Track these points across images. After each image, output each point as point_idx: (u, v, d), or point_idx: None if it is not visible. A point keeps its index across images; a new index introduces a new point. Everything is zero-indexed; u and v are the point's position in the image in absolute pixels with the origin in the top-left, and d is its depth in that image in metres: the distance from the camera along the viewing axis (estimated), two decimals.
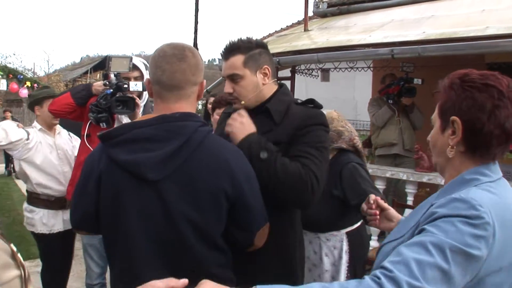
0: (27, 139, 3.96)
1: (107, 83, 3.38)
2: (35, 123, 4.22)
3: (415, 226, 1.41)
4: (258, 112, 2.29)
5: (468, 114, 1.39)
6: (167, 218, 1.69)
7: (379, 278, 1.20)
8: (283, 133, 2.19)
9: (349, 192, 2.96)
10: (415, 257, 1.21)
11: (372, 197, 1.99)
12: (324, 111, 3.26)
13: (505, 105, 1.37)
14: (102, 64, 29.21)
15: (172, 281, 1.25)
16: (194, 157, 1.69)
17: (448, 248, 1.21)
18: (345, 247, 3.12)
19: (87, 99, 3.57)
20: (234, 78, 2.24)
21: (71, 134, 4.45)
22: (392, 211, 1.95)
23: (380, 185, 5.56)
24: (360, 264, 3.25)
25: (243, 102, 2.26)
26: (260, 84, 2.26)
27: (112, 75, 3.36)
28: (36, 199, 4.09)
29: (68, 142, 4.32)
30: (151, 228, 1.70)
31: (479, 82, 1.40)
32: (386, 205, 1.97)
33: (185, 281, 1.27)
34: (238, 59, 2.22)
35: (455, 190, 1.40)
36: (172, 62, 1.75)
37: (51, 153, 4.10)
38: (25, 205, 4.19)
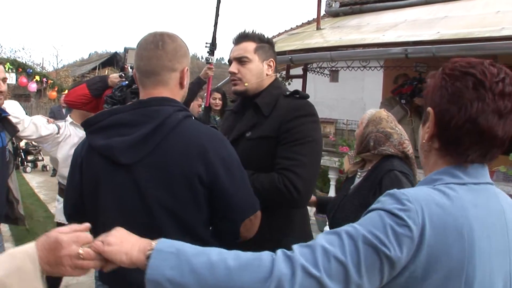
0: (57, 133, 3.98)
1: (123, 75, 3.39)
2: (68, 117, 4.24)
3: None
4: (247, 107, 2.35)
5: (439, 105, 1.21)
6: (142, 203, 1.65)
7: (275, 253, 1.12)
8: (270, 127, 2.20)
9: None
10: (324, 245, 1.09)
11: None
12: (372, 110, 3.02)
13: (482, 98, 1.15)
14: (110, 61, 29.34)
15: (74, 226, 1.29)
16: (168, 141, 1.66)
17: (361, 240, 1.07)
18: None
19: (102, 91, 3.58)
20: (242, 59, 2.31)
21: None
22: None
23: None
24: None
25: (246, 84, 2.32)
26: (264, 74, 2.34)
27: (128, 67, 3.37)
28: (62, 190, 4.07)
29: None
30: (128, 214, 1.66)
31: (459, 70, 1.21)
32: None
33: (87, 225, 1.32)
34: (250, 45, 2.32)
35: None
36: (149, 49, 1.74)
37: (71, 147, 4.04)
38: (57, 196, 4.25)
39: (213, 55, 6.10)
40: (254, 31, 2.38)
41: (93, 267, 1.28)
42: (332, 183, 6.08)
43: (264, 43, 2.35)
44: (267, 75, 2.35)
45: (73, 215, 1.89)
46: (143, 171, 1.65)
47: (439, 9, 6.70)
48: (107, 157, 1.67)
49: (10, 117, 3.28)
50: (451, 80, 1.19)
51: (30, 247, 1.21)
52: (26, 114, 3.96)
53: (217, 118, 5.76)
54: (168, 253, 1.16)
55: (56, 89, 16.64)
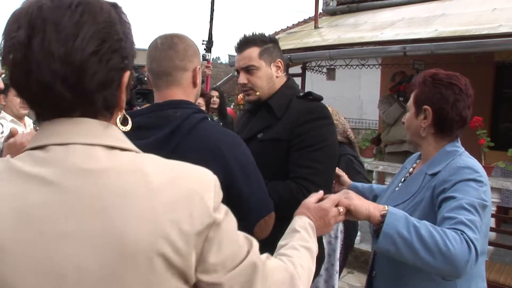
0: (1, 132, 3.66)
1: None
2: (3, 114, 3.89)
3: (429, 192, 1.78)
4: (260, 107, 2.33)
5: (437, 105, 1.84)
6: None
7: (462, 232, 1.52)
8: (282, 130, 2.18)
9: None
10: (466, 217, 1.57)
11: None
12: None
13: (463, 99, 1.84)
14: None
15: (316, 194, 1.66)
16: (185, 143, 1.67)
17: (477, 204, 1.61)
18: (341, 227, 3.46)
19: None
20: (249, 69, 2.27)
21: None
22: (345, 177, 2.45)
23: (368, 178, 5.60)
24: (352, 242, 3.67)
25: (258, 93, 2.28)
26: (274, 77, 2.30)
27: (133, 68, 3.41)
28: None
29: None
30: None
31: (445, 81, 1.85)
32: (340, 172, 2.43)
33: (321, 192, 1.68)
34: (254, 51, 2.27)
35: (446, 159, 1.84)
36: (160, 50, 1.78)
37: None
38: None
39: (210, 52, 6.12)
40: (254, 34, 2.33)
41: (342, 219, 1.64)
42: None
43: (267, 44, 2.30)
44: (277, 77, 2.31)
45: None
46: None
47: (436, 7, 6.75)
48: None
49: None
50: (443, 88, 1.84)
51: (305, 219, 1.50)
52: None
53: (215, 118, 5.75)
54: (399, 216, 1.56)
55: None
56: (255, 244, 1.09)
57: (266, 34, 2.37)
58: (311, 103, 2.25)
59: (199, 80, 1.85)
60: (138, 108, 3.48)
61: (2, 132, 3.65)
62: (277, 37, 7.82)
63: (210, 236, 0.93)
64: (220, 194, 1.00)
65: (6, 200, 0.84)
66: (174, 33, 1.85)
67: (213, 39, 5.89)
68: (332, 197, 1.61)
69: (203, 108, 4.38)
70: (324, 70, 7.72)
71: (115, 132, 0.99)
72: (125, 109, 3.09)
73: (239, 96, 11.28)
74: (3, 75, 2.59)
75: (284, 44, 6.76)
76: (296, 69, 7.75)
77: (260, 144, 2.20)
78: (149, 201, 0.88)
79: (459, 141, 1.94)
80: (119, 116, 1.05)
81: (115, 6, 0.98)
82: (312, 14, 8.01)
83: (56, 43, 0.86)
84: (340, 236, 3.40)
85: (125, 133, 1.71)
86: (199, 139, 1.69)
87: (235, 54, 2.37)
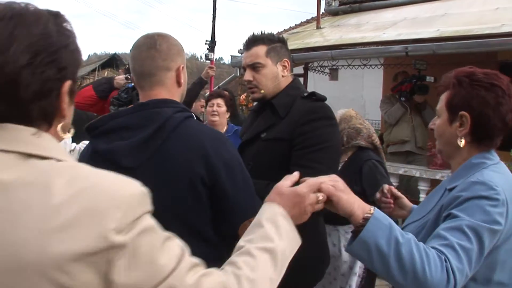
0: None
1: (129, 76, 3.43)
2: None
3: (438, 209, 1.59)
4: (265, 107, 2.32)
5: (477, 110, 1.58)
6: None
7: (441, 262, 1.36)
8: (285, 129, 2.18)
9: (369, 189, 3.04)
10: (458, 242, 1.39)
11: (386, 186, 2.07)
12: (342, 110, 3.40)
13: (506, 102, 1.58)
14: (109, 62, 29.31)
15: (290, 177, 1.43)
16: (169, 143, 1.65)
17: (481, 229, 1.40)
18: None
19: (108, 92, 3.62)
20: (255, 66, 2.27)
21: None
22: (404, 200, 2.05)
23: (392, 182, 5.58)
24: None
25: (262, 91, 2.28)
26: (280, 76, 2.30)
27: None
28: None
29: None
30: None
31: (486, 82, 1.59)
32: (399, 193, 2.06)
33: (296, 173, 1.44)
34: (261, 49, 2.27)
35: (467, 173, 1.60)
36: (142, 51, 1.75)
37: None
38: None
39: (213, 52, 6.11)
40: (262, 33, 2.34)
41: (320, 208, 1.41)
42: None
43: (275, 43, 2.31)
44: (282, 76, 2.30)
45: None
46: (145, 174, 1.59)
47: (439, 7, 6.74)
48: (109, 161, 1.66)
49: None
50: (484, 90, 1.58)
51: (276, 208, 1.29)
52: None
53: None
54: (383, 224, 1.38)
55: None
56: (185, 263, 1.00)
57: (275, 34, 2.38)
58: (314, 103, 2.24)
59: (184, 79, 1.82)
60: None
61: None
62: None
63: (112, 258, 0.87)
64: (134, 212, 0.92)
65: None
66: (157, 32, 1.83)
67: (216, 39, 5.89)
68: (311, 181, 1.39)
69: (224, 108, 4.29)
70: (327, 70, 7.70)
71: (40, 139, 0.95)
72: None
73: (241, 97, 11.29)
74: None
75: None
76: (299, 70, 7.75)
77: (263, 144, 2.20)
78: (42, 222, 0.84)
79: (493, 152, 1.68)
80: (62, 124, 1.02)
81: (56, 16, 0.99)
82: (315, 14, 8.00)
83: None
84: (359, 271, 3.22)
85: (108, 134, 1.70)
86: (184, 137, 1.67)
87: (238, 54, 2.38)
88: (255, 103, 2.60)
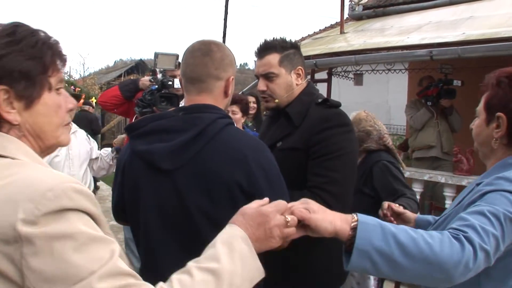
0: None
1: (153, 79, 3.48)
2: None
3: (464, 202, 1.57)
4: (280, 116, 2.30)
5: None
6: (182, 209, 1.65)
7: (457, 234, 1.31)
8: (300, 139, 2.15)
9: (382, 191, 3.00)
10: (479, 223, 1.34)
11: (385, 204, 2.09)
12: (354, 113, 3.37)
13: None
14: (135, 68, 29.72)
15: (257, 201, 1.35)
16: (209, 148, 1.65)
17: (502, 215, 1.36)
18: None
19: (133, 93, 3.67)
20: (269, 76, 2.24)
21: (90, 137, 4.25)
22: (408, 213, 2.06)
23: (417, 188, 5.50)
24: None
25: (276, 100, 2.26)
26: (294, 84, 2.26)
27: (158, 72, 3.45)
28: None
29: (85, 144, 4.06)
30: (167, 219, 1.68)
31: None
32: (400, 209, 2.07)
33: (266, 199, 1.37)
34: (274, 57, 2.23)
35: (499, 171, 1.56)
36: (196, 56, 1.77)
37: (59, 151, 3.72)
38: None
39: None
40: (275, 39, 2.29)
41: (297, 235, 1.32)
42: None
43: (288, 50, 2.26)
44: (296, 85, 2.27)
45: (115, 213, 1.96)
46: (183, 177, 1.66)
47: (464, 10, 6.63)
48: (148, 162, 1.69)
49: None
50: None
51: (236, 230, 1.21)
52: None
53: (249, 124, 5.70)
54: (373, 225, 1.30)
55: (83, 96, 16.93)
56: (109, 269, 0.96)
57: (287, 39, 2.32)
58: (328, 111, 2.21)
59: (231, 91, 1.83)
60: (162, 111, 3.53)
61: None
62: (302, 42, 7.82)
63: (25, 252, 0.89)
64: (48, 206, 0.93)
65: None
66: (212, 40, 1.84)
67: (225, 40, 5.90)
68: (279, 202, 1.31)
69: (239, 115, 4.29)
70: (350, 75, 7.65)
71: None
72: (148, 111, 3.10)
73: None
74: None
75: (310, 50, 6.74)
76: (323, 75, 7.71)
77: (279, 153, 2.15)
78: None
79: None
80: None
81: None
82: (339, 19, 7.96)
83: None
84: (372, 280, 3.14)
85: (148, 135, 1.73)
86: (224, 144, 1.68)
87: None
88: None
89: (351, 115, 3.29)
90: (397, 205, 2.12)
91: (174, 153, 1.66)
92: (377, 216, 3.04)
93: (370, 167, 3.10)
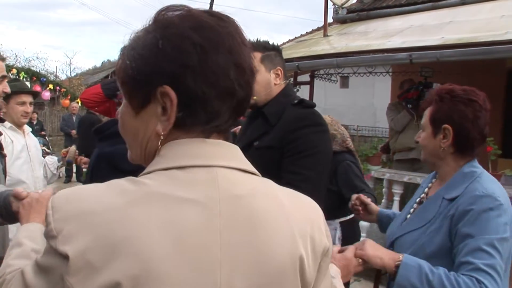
0: None
1: None
2: (6, 122, 3.62)
3: (441, 218, 1.74)
4: (257, 115, 2.34)
5: (458, 123, 1.74)
6: None
7: (477, 281, 1.55)
8: (275, 137, 2.19)
9: (344, 187, 3.31)
10: (483, 262, 1.56)
11: (354, 196, 2.35)
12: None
13: (483, 115, 1.75)
14: None
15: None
16: None
17: (496, 241, 1.57)
18: (338, 234, 3.46)
19: (115, 91, 3.68)
20: None
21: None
22: (372, 206, 2.33)
23: (397, 190, 5.59)
24: None
25: (254, 97, 2.27)
26: (272, 83, 2.30)
27: None
28: None
29: (38, 146, 3.88)
30: None
31: (464, 97, 1.75)
32: (368, 200, 2.33)
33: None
34: (256, 55, 2.24)
35: (462, 183, 1.75)
36: None
37: (21, 153, 3.56)
38: None
39: None
40: (258, 40, 2.34)
41: (360, 269, 1.74)
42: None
43: (270, 51, 2.32)
44: (275, 84, 2.31)
45: None
46: None
47: (445, 14, 6.73)
48: (112, 164, 1.73)
49: None
50: (463, 105, 1.73)
51: (335, 268, 1.56)
52: (41, 121, 3.93)
53: None
54: (412, 266, 1.63)
55: (69, 97, 16.89)
56: None
57: (270, 42, 2.38)
58: (303, 111, 2.26)
59: None
60: None
61: None
62: (286, 45, 7.87)
63: (321, 264, 0.97)
64: None
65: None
66: None
67: None
68: (351, 249, 1.73)
69: None
70: (333, 78, 7.72)
71: (244, 157, 0.98)
72: None
73: None
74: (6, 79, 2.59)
75: (293, 52, 6.79)
76: (305, 77, 7.77)
77: (256, 152, 2.19)
78: (289, 228, 0.91)
79: (476, 161, 1.84)
80: None
81: None
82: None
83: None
84: (338, 244, 3.38)
85: (113, 137, 1.76)
86: None
87: None
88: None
89: None
90: (366, 196, 2.37)
91: None
92: (344, 207, 3.21)
93: (335, 167, 3.34)
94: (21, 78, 14.64)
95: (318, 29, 9.50)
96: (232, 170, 0.89)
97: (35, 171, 3.63)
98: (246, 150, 2.23)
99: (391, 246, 1.94)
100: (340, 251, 1.73)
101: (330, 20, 8.33)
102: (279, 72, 2.33)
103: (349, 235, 3.45)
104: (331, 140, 2.39)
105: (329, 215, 3.19)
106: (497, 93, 7.10)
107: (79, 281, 0.76)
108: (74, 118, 12.16)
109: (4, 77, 2.61)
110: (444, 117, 1.77)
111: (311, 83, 7.24)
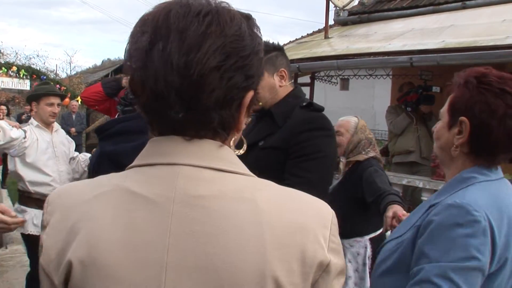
0: (24, 137, 3.74)
1: None
2: (32, 120, 4.02)
3: (416, 227, 1.37)
4: (264, 115, 2.32)
5: (478, 118, 1.33)
6: None
7: None
8: (281, 138, 2.17)
9: (366, 190, 3.02)
10: None
11: (390, 213, 2.20)
12: (354, 118, 3.43)
13: None
14: (123, 67, 29.57)
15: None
16: None
17: (454, 272, 1.18)
18: (369, 253, 3.14)
19: (115, 90, 3.69)
20: None
21: (68, 137, 4.33)
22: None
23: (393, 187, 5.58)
24: None
25: (260, 103, 2.27)
26: (277, 86, 2.28)
27: None
28: (28, 198, 3.82)
29: (65, 142, 4.16)
30: None
31: (496, 87, 1.31)
32: (404, 215, 2.13)
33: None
34: None
35: (454, 188, 1.37)
36: None
37: (47, 150, 3.89)
38: (16, 205, 3.98)
39: None
40: None
41: None
42: None
43: (271, 52, 2.27)
44: (280, 86, 2.28)
45: None
46: None
47: (446, 18, 6.75)
48: (114, 162, 1.73)
49: None
50: (492, 96, 1.31)
51: None
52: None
53: None
54: None
55: (69, 95, 16.87)
56: None
57: (271, 42, 2.33)
58: (311, 113, 2.24)
59: None
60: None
61: (25, 137, 3.76)
62: (287, 46, 7.87)
63: (319, 281, 0.82)
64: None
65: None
66: None
67: None
68: None
69: None
70: (334, 80, 7.72)
71: (228, 154, 0.88)
72: (130, 110, 3.11)
73: None
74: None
75: (294, 54, 6.80)
76: (306, 79, 7.78)
77: (260, 152, 2.19)
78: (258, 236, 0.79)
79: (499, 167, 1.42)
80: (234, 137, 0.92)
81: (248, 18, 0.88)
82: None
83: (177, 53, 0.78)
84: (368, 262, 3.16)
85: (115, 136, 1.78)
86: None
87: None
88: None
89: (352, 121, 3.38)
90: (404, 212, 2.24)
91: (138, 151, 1.70)
92: (369, 223, 3.15)
93: (361, 174, 3.13)
94: (21, 75, 14.63)
95: (319, 31, 9.51)
96: (200, 169, 0.83)
97: (59, 166, 3.95)
98: (251, 150, 2.25)
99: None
100: None
101: (331, 22, 8.34)
102: (284, 74, 2.29)
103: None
104: (336, 144, 2.37)
105: (358, 232, 3.18)
106: None
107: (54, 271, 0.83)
108: (73, 116, 12.15)
109: None
110: (464, 107, 1.36)
111: (311, 85, 7.24)
